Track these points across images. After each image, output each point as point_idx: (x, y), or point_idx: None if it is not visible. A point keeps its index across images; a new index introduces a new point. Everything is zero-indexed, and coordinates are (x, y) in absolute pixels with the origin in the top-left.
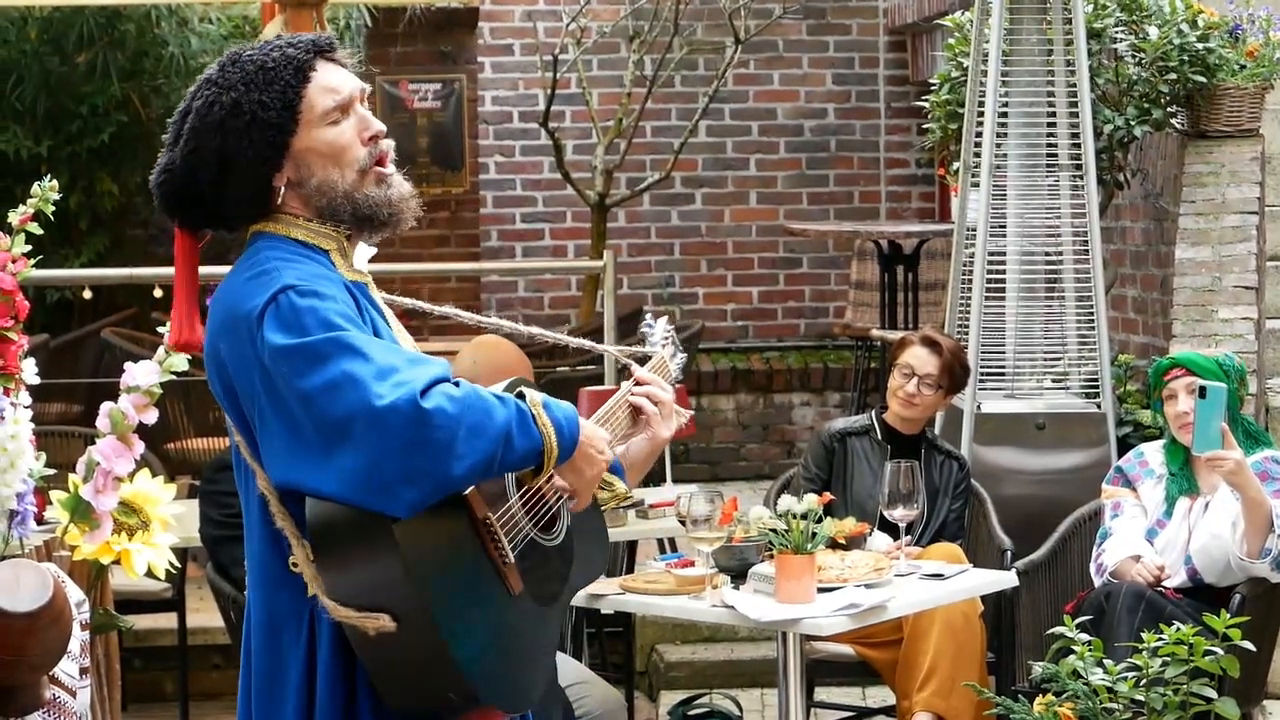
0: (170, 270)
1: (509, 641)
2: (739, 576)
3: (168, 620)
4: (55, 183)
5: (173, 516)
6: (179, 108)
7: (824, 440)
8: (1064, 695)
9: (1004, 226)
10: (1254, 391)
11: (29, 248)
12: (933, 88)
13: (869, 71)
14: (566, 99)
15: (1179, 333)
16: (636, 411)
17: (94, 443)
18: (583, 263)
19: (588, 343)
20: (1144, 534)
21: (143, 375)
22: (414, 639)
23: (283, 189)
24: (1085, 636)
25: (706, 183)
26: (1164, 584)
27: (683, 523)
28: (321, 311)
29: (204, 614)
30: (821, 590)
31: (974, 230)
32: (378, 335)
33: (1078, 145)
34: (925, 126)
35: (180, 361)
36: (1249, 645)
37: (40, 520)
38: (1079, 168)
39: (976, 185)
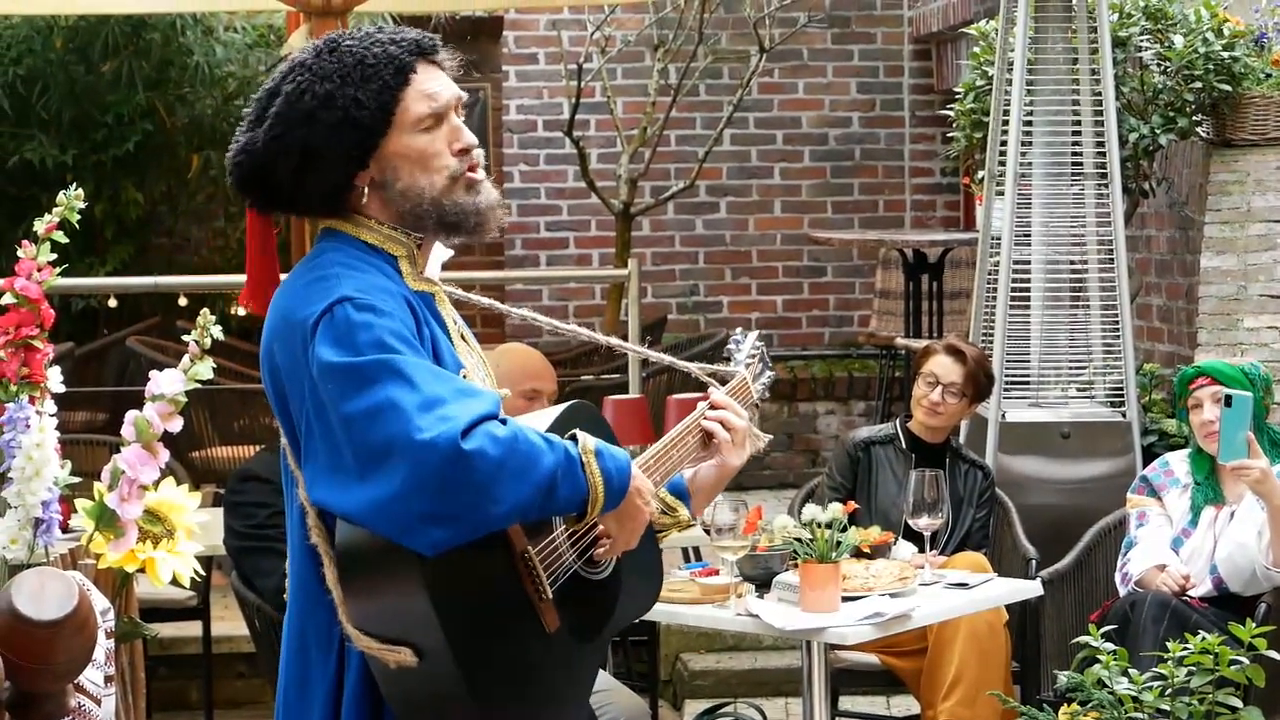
0: (195, 279)
1: (536, 681)
2: (763, 585)
3: (192, 628)
4: (80, 191)
5: (197, 525)
6: (265, 86)
7: (848, 449)
8: (1089, 705)
9: (1029, 235)
10: (1279, 400)
11: (54, 256)
12: (957, 96)
13: (894, 80)
14: (591, 108)
15: (1204, 341)
16: (708, 436)
17: (119, 451)
18: (607, 271)
19: (668, 358)
20: (1169, 543)
21: (167, 384)
22: (434, 674)
23: (365, 189)
24: (1110, 646)
25: (731, 191)
26: (1189, 593)
27: (707, 531)
28: (376, 329)
29: (229, 622)
30: (846, 599)
31: (999, 239)
32: (437, 354)
33: (1103, 154)
34: (950, 135)
35: (205, 370)
36: (1274, 654)
37: (65, 528)
38: (1104, 176)
39: (1001, 194)
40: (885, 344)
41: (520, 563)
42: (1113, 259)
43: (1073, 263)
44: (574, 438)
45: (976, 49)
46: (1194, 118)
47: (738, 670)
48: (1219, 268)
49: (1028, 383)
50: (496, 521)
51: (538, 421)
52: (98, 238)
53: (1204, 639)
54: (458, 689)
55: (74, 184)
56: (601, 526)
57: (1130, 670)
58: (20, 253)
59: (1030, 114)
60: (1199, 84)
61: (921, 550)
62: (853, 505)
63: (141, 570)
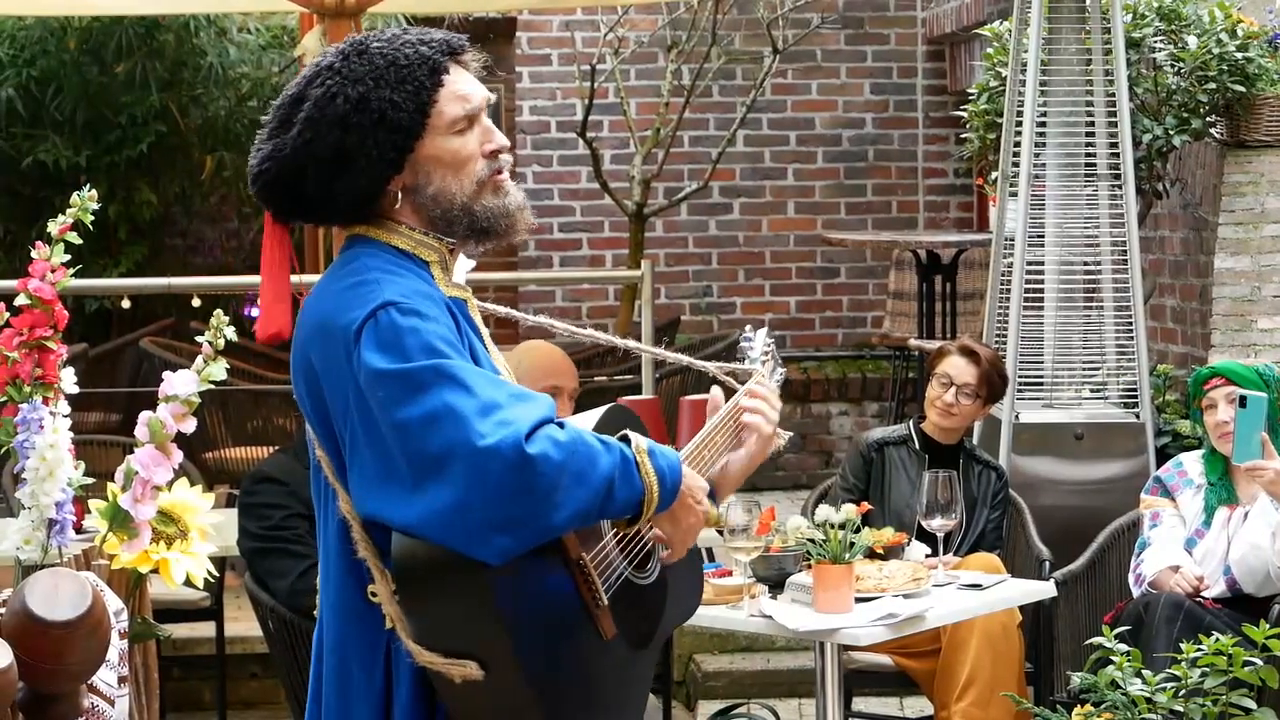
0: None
1: (599, 689)
2: (777, 586)
3: (206, 629)
4: (94, 192)
5: (211, 526)
6: (287, 91)
7: (862, 450)
8: (1102, 706)
9: (1042, 236)
10: None
11: (68, 257)
12: (971, 97)
13: (907, 81)
14: (604, 109)
15: (1218, 342)
16: (738, 428)
17: (132, 452)
18: (620, 272)
19: (685, 358)
20: (1183, 544)
21: (181, 385)
22: (502, 688)
23: (398, 194)
24: (1124, 647)
25: (744, 192)
26: (1203, 594)
27: (720, 532)
28: (424, 334)
29: (242, 623)
30: (859, 600)
31: (1012, 240)
32: (475, 359)
33: (1116, 155)
34: (963, 136)
35: (218, 371)
36: None
37: (79, 529)
38: (1118, 177)
39: (1015, 195)
40: (899, 345)
41: (576, 570)
42: (1126, 260)
43: (1086, 264)
44: (625, 438)
45: (990, 50)
46: (1208, 119)
47: (751, 671)
48: (1233, 269)
49: (1041, 384)
50: (560, 526)
51: (580, 424)
52: (111, 239)
53: (1217, 640)
54: (526, 701)
55: (87, 185)
56: (655, 530)
57: (1144, 671)
58: (34, 254)
59: (1044, 115)
60: (1213, 85)
61: (935, 551)
62: (866, 506)
63: (155, 571)
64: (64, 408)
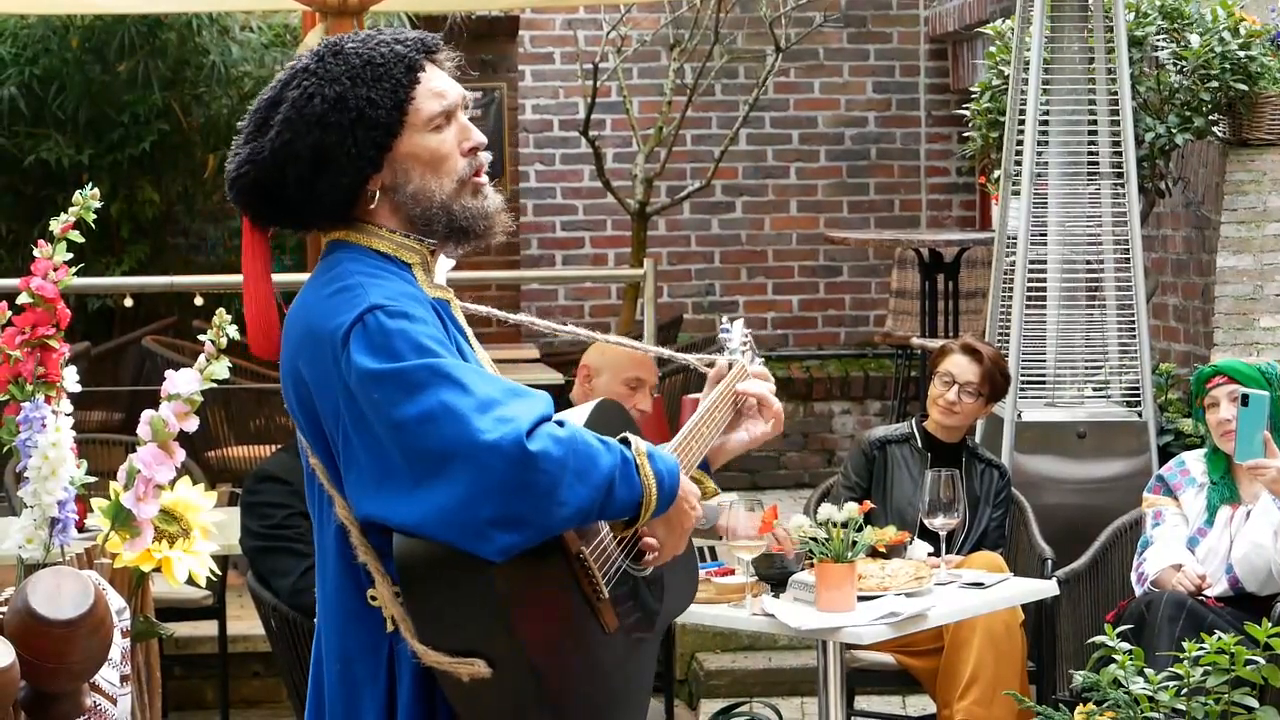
0: (211, 279)
1: (604, 682)
2: (779, 585)
3: (208, 628)
4: (96, 191)
5: (213, 524)
6: (263, 96)
7: (864, 448)
8: (1105, 704)
9: (1045, 235)
10: None
11: (70, 256)
12: (973, 96)
13: (910, 80)
14: (607, 107)
15: (1220, 341)
16: (736, 413)
17: (135, 450)
18: (623, 271)
19: (667, 351)
20: (1185, 543)
21: (183, 383)
22: (509, 685)
23: (376, 194)
24: (1126, 645)
25: (747, 191)
26: (1205, 593)
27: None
28: (413, 335)
29: (245, 621)
30: (862, 599)
31: (1015, 238)
32: (463, 359)
33: (1119, 153)
34: (966, 135)
35: (221, 370)
36: None
37: (81, 528)
38: (1120, 176)
39: (1017, 193)
40: (901, 344)
41: (576, 564)
42: (1129, 258)
43: (1089, 262)
44: (625, 440)
45: (993, 48)
46: (1210, 117)
47: (753, 670)
48: (1235, 267)
49: (1044, 382)
50: (561, 523)
51: (572, 420)
52: (114, 237)
53: (1220, 639)
54: (534, 696)
55: (90, 183)
56: (648, 539)
57: (1146, 670)
58: (36, 252)
59: (1046, 113)
60: (1215, 83)
61: (937, 550)
62: (868, 505)
63: (157, 569)
64: (66, 406)
